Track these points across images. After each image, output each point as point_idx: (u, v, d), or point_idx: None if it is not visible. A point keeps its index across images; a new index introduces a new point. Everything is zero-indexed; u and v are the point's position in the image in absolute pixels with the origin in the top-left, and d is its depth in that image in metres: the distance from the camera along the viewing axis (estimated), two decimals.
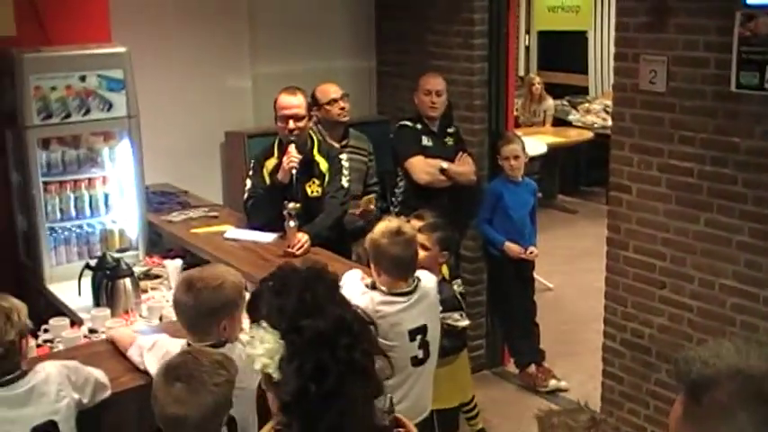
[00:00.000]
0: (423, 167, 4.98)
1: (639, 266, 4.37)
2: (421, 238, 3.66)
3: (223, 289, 2.76)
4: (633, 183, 4.44)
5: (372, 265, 3.35)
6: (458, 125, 5.36)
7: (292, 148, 4.29)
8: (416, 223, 3.79)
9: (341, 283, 1.78)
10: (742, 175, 3.95)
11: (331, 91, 4.95)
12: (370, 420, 1.66)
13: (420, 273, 3.43)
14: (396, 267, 3.29)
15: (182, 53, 5.41)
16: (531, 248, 5.24)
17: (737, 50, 3.77)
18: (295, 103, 4.37)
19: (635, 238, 4.42)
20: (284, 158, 4.28)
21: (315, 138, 4.54)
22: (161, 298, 3.83)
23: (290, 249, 4.03)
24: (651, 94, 4.28)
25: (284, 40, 5.90)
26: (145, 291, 3.87)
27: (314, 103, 4.89)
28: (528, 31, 10.55)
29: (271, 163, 4.42)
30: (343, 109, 4.96)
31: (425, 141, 5.06)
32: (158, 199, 4.85)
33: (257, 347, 1.61)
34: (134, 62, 4.26)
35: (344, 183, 4.50)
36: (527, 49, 10.89)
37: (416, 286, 3.36)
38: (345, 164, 4.56)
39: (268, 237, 4.22)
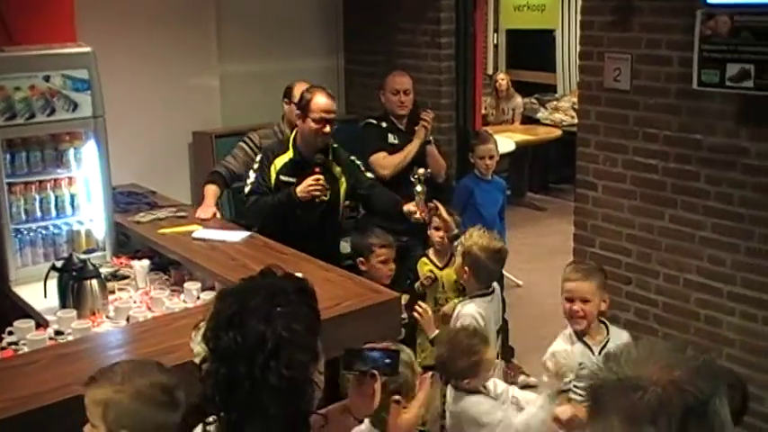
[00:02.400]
0: (384, 163, 4.99)
1: (606, 263, 4.41)
2: None
3: None
4: (599, 180, 4.49)
5: (461, 263, 3.71)
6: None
7: (319, 177, 4.16)
8: None
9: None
10: (705, 171, 4.00)
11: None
12: None
13: None
14: (489, 279, 3.74)
15: (148, 53, 5.39)
16: None
17: (699, 49, 3.82)
18: (333, 107, 4.30)
19: (601, 234, 4.47)
20: (309, 180, 4.15)
21: (329, 144, 4.41)
22: (128, 299, 3.81)
23: (417, 216, 4.11)
24: (616, 91, 4.33)
25: (252, 39, 5.90)
26: (112, 292, 3.84)
27: (287, 96, 4.89)
28: (496, 30, 10.60)
29: (281, 160, 4.32)
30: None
31: (392, 139, 5.07)
32: (126, 199, 4.82)
33: (195, 341, 1.64)
34: (100, 62, 4.22)
35: (369, 174, 4.54)
36: (495, 47, 10.94)
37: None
38: (358, 161, 4.55)
39: (237, 236, 4.21)
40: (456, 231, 4.08)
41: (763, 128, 3.75)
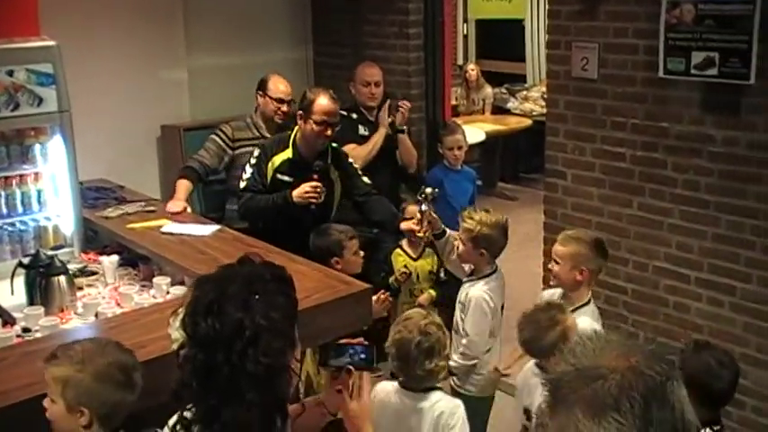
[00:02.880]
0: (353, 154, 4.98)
1: None
2: None
3: None
4: (568, 169, 4.52)
5: (472, 247, 3.73)
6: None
7: (317, 184, 4.13)
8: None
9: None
10: (672, 159, 4.04)
11: (281, 90, 4.88)
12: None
13: None
14: (500, 253, 3.82)
15: (115, 46, 5.34)
16: None
17: (664, 37, 3.86)
18: (336, 109, 4.22)
19: (571, 222, 4.49)
20: (307, 186, 4.12)
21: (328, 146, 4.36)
22: (97, 295, 3.78)
23: (418, 234, 4.15)
24: (583, 80, 4.36)
25: (220, 31, 5.86)
26: (80, 288, 3.81)
27: (261, 88, 4.87)
28: (466, 20, 10.61)
29: (279, 158, 4.27)
30: (284, 113, 4.92)
31: (362, 131, 5.08)
32: (93, 195, 4.76)
33: (173, 327, 1.64)
34: (66, 56, 4.16)
35: (366, 180, 4.42)
36: (465, 37, 10.95)
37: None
38: (356, 164, 4.49)
39: (206, 230, 4.19)
40: (442, 228, 4.10)
41: (728, 115, 3.78)
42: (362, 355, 2.01)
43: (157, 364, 2.87)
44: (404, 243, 4.53)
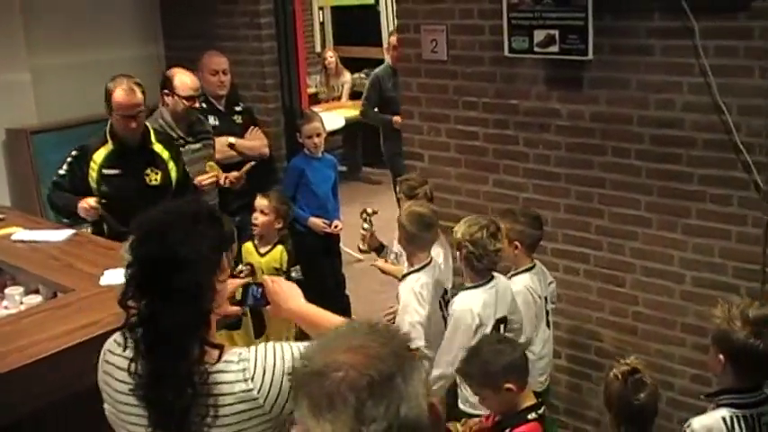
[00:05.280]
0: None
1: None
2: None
3: None
4: (425, 150, 4.59)
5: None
6: (249, 105, 5.36)
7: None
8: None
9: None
10: (522, 134, 4.16)
11: (190, 87, 4.68)
12: (191, 354, 1.92)
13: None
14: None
15: None
16: (336, 222, 5.30)
17: (507, 17, 3.96)
18: (138, 100, 4.10)
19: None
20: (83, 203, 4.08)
21: (150, 126, 4.34)
22: None
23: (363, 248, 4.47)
24: (434, 62, 4.42)
25: (64, 29, 5.64)
26: None
27: (165, 86, 4.69)
28: (321, 8, 10.60)
29: (100, 155, 4.18)
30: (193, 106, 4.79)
31: (212, 121, 5.03)
32: None
33: (123, 249, 2.05)
34: None
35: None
36: (322, 25, 10.94)
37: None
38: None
39: (59, 235, 4.04)
40: (380, 242, 4.33)
41: (571, 90, 3.92)
42: (259, 297, 2.44)
43: (16, 376, 2.77)
44: (256, 238, 4.54)
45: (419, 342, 3.52)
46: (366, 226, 4.35)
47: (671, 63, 3.60)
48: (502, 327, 3.44)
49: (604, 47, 3.75)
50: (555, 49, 3.84)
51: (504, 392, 2.89)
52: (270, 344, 2.03)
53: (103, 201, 4.11)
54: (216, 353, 1.96)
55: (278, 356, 1.97)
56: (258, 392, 1.92)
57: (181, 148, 4.52)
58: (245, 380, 1.92)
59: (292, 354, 1.98)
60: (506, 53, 4.04)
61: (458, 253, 3.48)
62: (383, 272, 4.29)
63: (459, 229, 3.42)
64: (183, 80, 4.65)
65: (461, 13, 4.27)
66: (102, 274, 3.46)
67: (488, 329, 3.37)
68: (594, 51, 3.74)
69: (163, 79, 4.74)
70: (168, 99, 4.66)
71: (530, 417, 2.91)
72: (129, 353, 1.98)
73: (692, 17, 3.46)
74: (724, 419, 2.53)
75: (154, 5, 6.07)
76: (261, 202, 4.51)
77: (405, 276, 3.72)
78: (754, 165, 3.44)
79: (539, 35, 3.88)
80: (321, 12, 10.81)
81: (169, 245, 1.94)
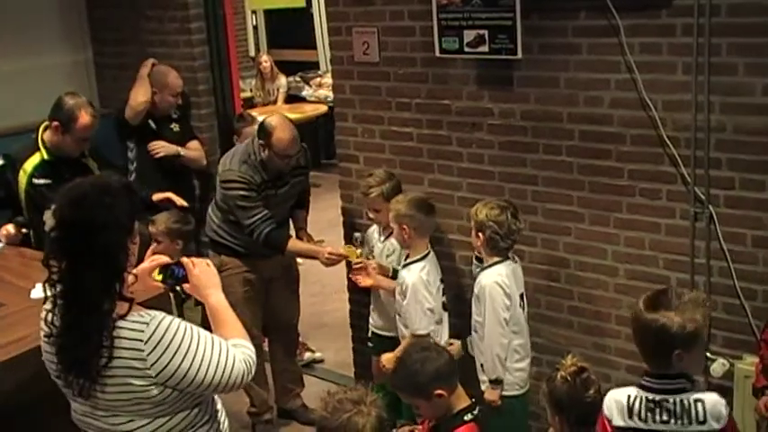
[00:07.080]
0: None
1: None
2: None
3: None
4: (360, 152, 4.59)
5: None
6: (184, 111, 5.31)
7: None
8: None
9: None
10: (456, 134, 4.19)
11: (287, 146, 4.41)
12: (101, 308, 2.22)
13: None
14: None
15: None
16: None
17: (437, 17, 3.98)
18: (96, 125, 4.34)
19: None
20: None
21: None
22: None
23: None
24: (366, 65, 4.43)
25: None
26: None
27: (261, 137, 4.53)
28: (254, 12, 10.54)
29: (31, 164, 4.22)
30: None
31: (152, 125, 5.02)
32: None
33: (47, 215, 2.43)
34: None
35: None
36: (255, 28, 10.88)
37: None
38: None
39: None
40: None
41: (502, 89, 3.96)
42: (183, 275, 2.57)
43: None
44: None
45: (430, 327, 3.91)
46: (360, 251, 4.35)
47: (598, 61, 3.66)
48: (522, 302, 3.80)
49: (533, 46, 3.80)
50: (485, 48, 3.87)
51: (435, 399, 2.92)
52: (177, 319, 2.31)
53: (20, 218, 4.19)
54: (126, 306, 2.27)
55: (178, 332, 2.26)
56: (148, 355, 2.21)
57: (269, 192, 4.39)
58: (140, 340, 2.22)
59: (192, 336, 2.28)
60: (437, 54, 4.06)
61: (477, 234, 3.73)
62: (380, 287, 4.29)
63: (481, 212, 3.69)
64: (281, 138, 4.29)
65: (392, 14, 4.28)
66: (34, 287, 3.39)
67: (516, 301, 3.73)
68: (523, 51, 3.78)
69: (260, 127, 4.38)
70: (263, 153, 4.30)
71: (466, 418, 2.94)
72: (48, 305, 2.31)
73: (617, 15, 3.53)
74: (629, 396, 2.61)
75: (80, 9, 5.95)
76: (151, 230, 4.24)
77: (407, 266, 3.98)
78: (680, 158, 3.52)
79: (468, 35, 3.91)
80: (254, 15, 10.74)
81: (87, 210, 2.23)
